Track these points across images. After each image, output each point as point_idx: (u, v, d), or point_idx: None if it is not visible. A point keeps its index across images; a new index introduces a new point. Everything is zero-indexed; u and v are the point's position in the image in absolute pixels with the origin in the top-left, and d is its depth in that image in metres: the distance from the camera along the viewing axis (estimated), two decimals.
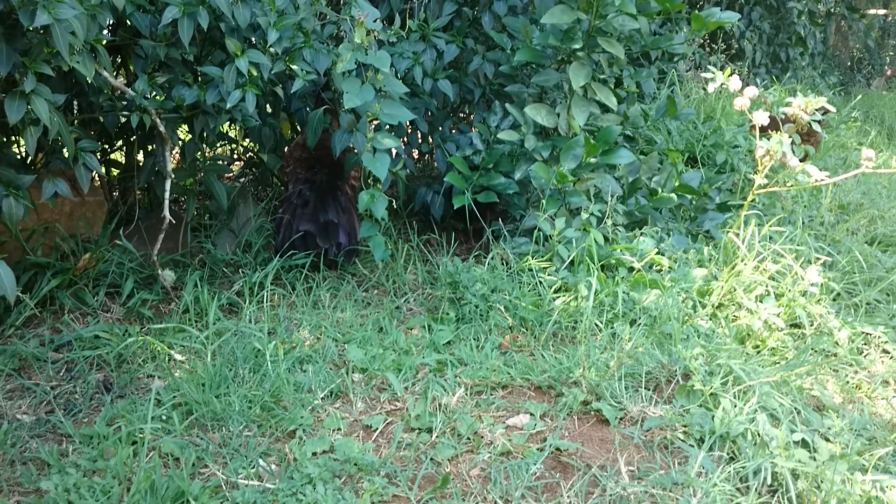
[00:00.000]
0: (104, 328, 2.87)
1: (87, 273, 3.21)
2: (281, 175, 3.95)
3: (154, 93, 2.92)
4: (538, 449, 2.15)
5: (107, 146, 3.64)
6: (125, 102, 3.01)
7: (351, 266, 3.51)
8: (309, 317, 3.00)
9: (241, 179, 4.36)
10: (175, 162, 4.21)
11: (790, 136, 2.99)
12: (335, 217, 3.43)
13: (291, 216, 3.46)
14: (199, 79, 3.10)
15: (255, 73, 2.93)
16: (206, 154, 3.81)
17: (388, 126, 3.35)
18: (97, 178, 3.56)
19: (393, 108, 3.10)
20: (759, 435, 2.12)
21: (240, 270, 3.41)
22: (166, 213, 3.08)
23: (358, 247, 3.46)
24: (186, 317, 2.97)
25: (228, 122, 3.50)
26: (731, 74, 2.97)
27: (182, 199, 3.95)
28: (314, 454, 2.09)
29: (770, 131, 3.07)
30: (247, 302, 3.04)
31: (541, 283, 3.05)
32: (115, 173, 3.78)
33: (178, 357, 2.68)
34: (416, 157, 4.60)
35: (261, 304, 3.07)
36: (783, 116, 3.04)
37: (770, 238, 3.22)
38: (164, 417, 2.28)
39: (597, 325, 2.84)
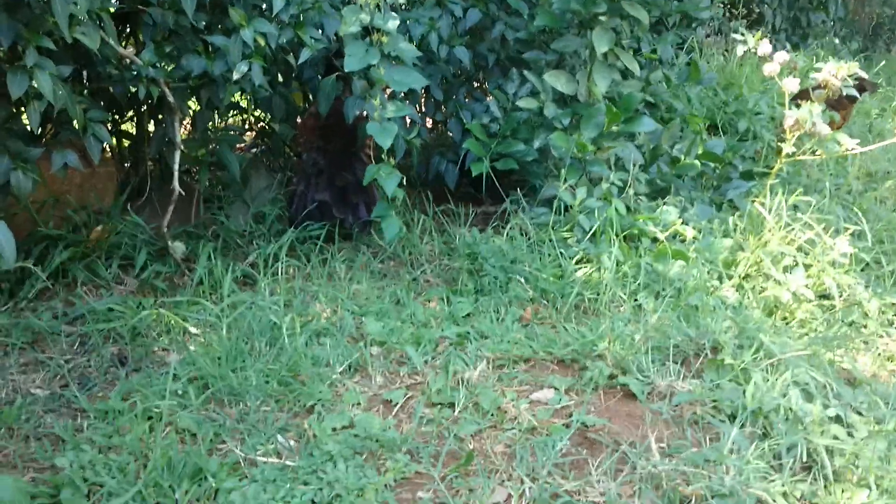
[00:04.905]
0: (118, 301, 2.82)
1: (99, 245, 3.15)
2: (295, 145, 3.88)
3: (163, 62, 2.85)
4: (564, 425, 2.09)
5: (117, 117, 3.57)
6: (134, 72, 2.93)
7: (366, 237, 3.44)
8: (325, 289, 2.94)
9: (254, 150, 4.29)
10: (186, 133, 4.15)
11: (819, 104, 2.90)
12: (351, 186, 3.36)
13: (306, 186, 3.39)
14: (208, 48, 3.02)
15: (261, 42, 2.84)
16: (218, 124, 3.74)
17: (402, 94, 3.26)
18: (108, 150, 3.49)
19: (405, 74, 3.00)
20: (791, 411, 2.06)
21: (254, 242, 3.35)
22: (176, 184, 3.02)
23: (374, 218, 3.39)
24: (200, 289, 2.91)
25: (239, 92, 3.43)
26: (761, 38, 2.88)
27: (194, 170, 3.88)
28: (334, 430, 2.04)
29: (800, 100, 2.98)
30: (261, 274, 2.99)
31: (562, 254, 2.98)
32: (126, 144, 3.71)
33: (193, 330, 2.63)
34: (429, 125, 4.52)
35: (276, 276, 3.02)
36: (813, 82, 2.94)
37: (795, 207, 3.13)
38: (179, 392, 2.23)
39: (620, 296, 2.77)
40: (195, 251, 3.21)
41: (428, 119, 4.21)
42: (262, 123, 4.22)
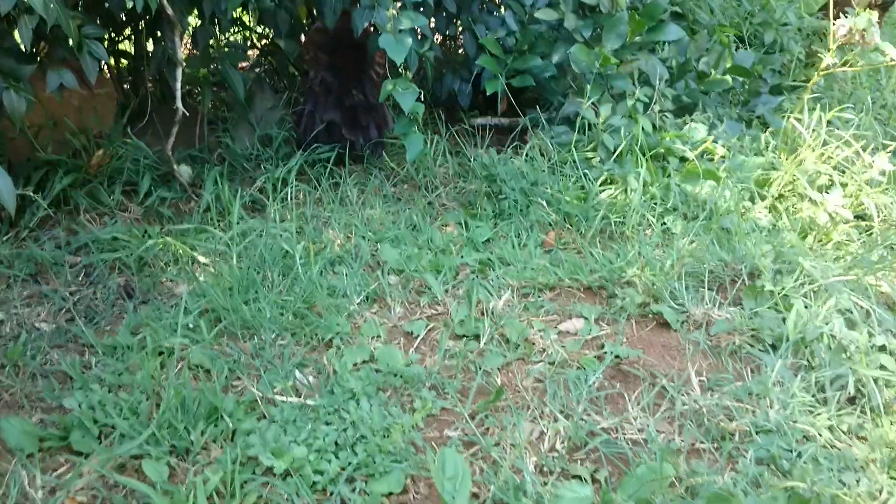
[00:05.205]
0: (122, 229, 2.71)
1: (101, 170, 3.03)
2: (301, 63, 3.70)
3: None
4: (596, 357, 1.99)
5: (114, 34, 3.39)
6: None
7: (377, 159, 3.30)
8: (337, 214, 2.82)
9: (258, 69, 4.11)
10: (187, 51, 3.96)
11: (861, 9, 2.71)
12: (361, 105, 3.20)
13: (314, 106, 3.23)
14: None
15: None
16: (220, 41, 3.56)
17: (413, 4, 3.07)
18: (106, 70, 3.32)
19: None
20: (835, 339, 1.95)
21: (261, 166, 3.21)
22: (179, 104, 2.86)
23: (385, 139, 3.24)
24: (208, 216, 2.80)
25: (241, 6, 3.24)
26: None
27: (196, 90, 3.72)
28: (354, 365, 1.94)
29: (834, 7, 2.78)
30: (270, 199, 2.86)
31: (585, 175, 2.83)
32: (125, 64, 3.54)
33: (202, 259, 2.51)
34: (437, 40, 4.30)
35: (285, 201, 2.89)
36: None
37: (828, 123, 2.97)
38: (191, 326, 2.13)
39: (648, 220, 2.64)
40: (201, 175, 3.08)
41: (436, 35, 4.01)
42: (265, 40, 4.03)
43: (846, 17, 2.58)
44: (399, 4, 2.89)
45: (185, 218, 2.84)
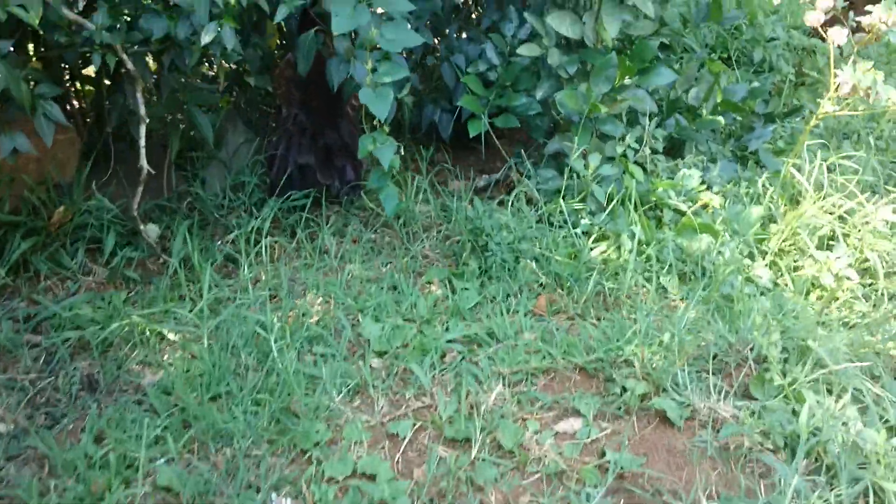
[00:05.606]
0: (86, 298, 2.55)
1: (62, 228, 2.85)
2: (272, 97, 3.52)
3: (118, 25, 2.48)
4: (596, 466, 1.85)
5: (72, 76, 3.20)
6: (86, 37, 2.56)
7: (356, 199, 3.13)
8: (314, 275, 2.66)
9: (225, 94, 3.90)
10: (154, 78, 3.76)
11: (861, 46, 2.58)
12: (337, 145, 3.04)
13: (286, 148, 3.06)
14: (170, 4, 2.63)
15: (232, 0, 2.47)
16: (184, 80, 3.36)
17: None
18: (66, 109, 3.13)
19: (398, 32, 2.64)
20: (851, 441, 1.82)
21: (233, 214, 3.04)
22: (143, 162, 2.69)
23: (361, 182, 3.08)
24: (176, 279, 2.63)
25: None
26: None
27: (162, 132, 3.53)
28: (338, 488, 1.78)
29: (826, 26, 2.63)
30: (244, 256, 2.70)
31: (575, 233, 2.68)
32: (89, 92, 3.33)
33: (171, 336, 2.35)
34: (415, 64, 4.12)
35: (259, 255, 2.74)
36: (854, 25, 2.61)
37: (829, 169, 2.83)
38: (158, 429, 1.97)
39: (643, 284, 2.49)
40: (171, 227, 2.91)
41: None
42: (235, 68, 3.82)
43: (842, 52, 2.44)
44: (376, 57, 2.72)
45: (153, 280, 2.67)
